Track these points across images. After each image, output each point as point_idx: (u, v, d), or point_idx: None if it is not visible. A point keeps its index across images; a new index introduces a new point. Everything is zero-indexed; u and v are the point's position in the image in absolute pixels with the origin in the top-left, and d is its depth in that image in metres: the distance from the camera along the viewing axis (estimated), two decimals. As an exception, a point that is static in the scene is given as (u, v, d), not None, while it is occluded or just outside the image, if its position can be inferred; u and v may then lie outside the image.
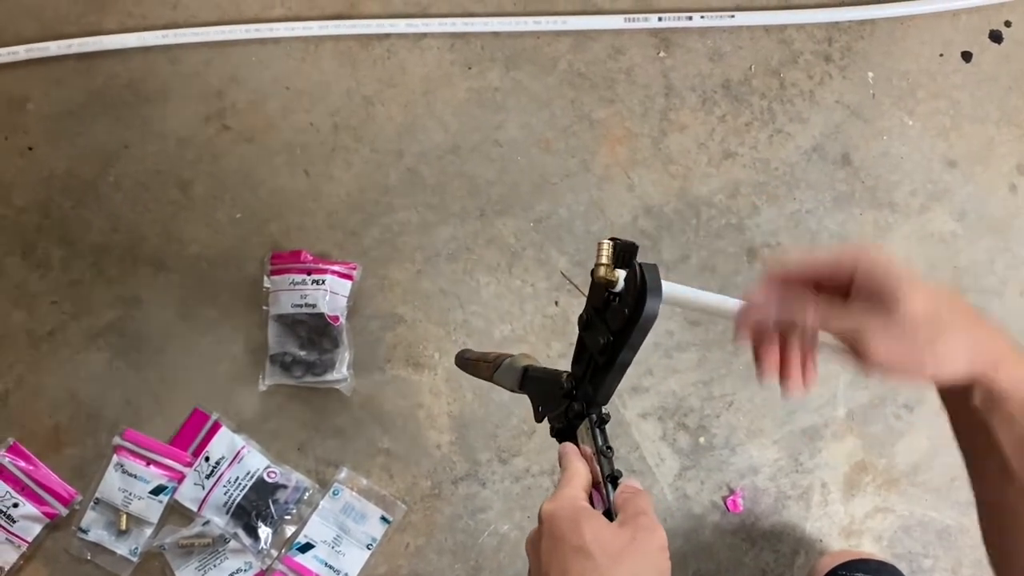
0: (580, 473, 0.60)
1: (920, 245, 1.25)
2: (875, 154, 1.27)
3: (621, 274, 0.59)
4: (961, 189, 1.27)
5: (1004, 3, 1.30)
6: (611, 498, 0.58)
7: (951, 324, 0.54)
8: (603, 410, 0.65)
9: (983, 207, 1.27)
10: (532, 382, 0.74)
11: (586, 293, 0.64)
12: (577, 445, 0.65)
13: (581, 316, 0.65)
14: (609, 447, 0.62)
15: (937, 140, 1.28)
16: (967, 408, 0.58)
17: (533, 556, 0.57)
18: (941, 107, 1.29)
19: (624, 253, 0.59)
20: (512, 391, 0.77)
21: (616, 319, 0.59)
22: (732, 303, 0.61)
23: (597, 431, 0.63)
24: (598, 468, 0.61)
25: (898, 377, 0.55)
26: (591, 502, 0.59)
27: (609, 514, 0.57)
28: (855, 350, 0.54)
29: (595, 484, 0.60)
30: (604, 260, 0.60)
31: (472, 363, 0.84)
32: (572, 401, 0.67)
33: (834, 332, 0.55)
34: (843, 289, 0.57)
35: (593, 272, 0.60)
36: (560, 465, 0.63)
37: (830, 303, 0.56)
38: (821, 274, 0.57)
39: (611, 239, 0.60)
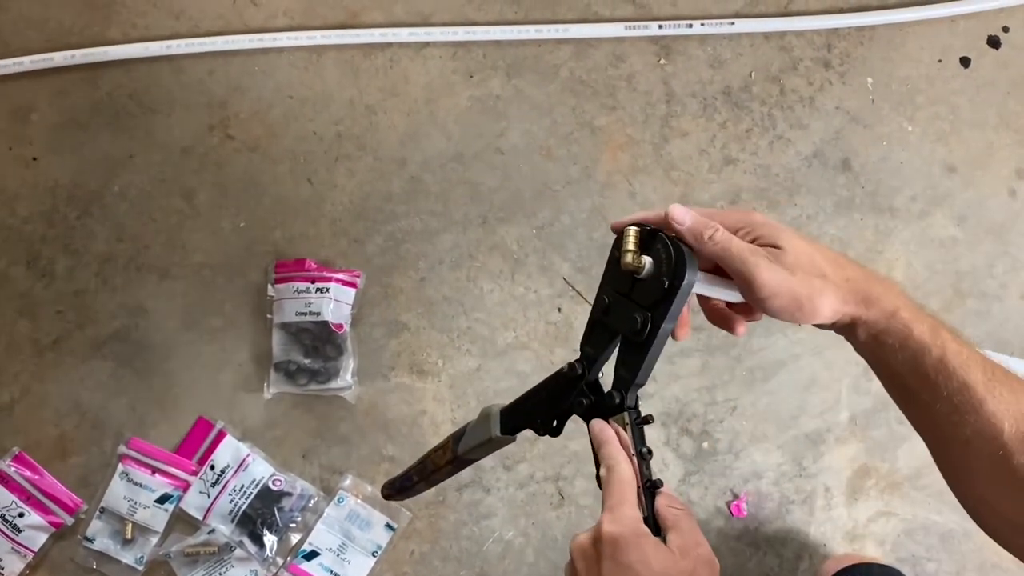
0: (629, 481, 0.58)
1: (920, 250, 1.26)
2: (875, 159, 1.27)
3: (648, 260, 0.60)
4: (961, 194, 1.28)
5: (1002, 9, 1.31)
6: (651, 508, 0.58)
7: (825, 267, 0.60)
8: (640, 408, 0.63)
9: (983, 211, 1.27)
10: (518, 409, 0.70)
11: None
12: (607, 421, 0.63)
13: (600, 299, 0.65)
14: (649, 450, 0.61)
15: (937, 145, 1.29)
16: (858, 344, 0.63)
17: (585, 571, 0.56)
18: (940, 112, 1.29)
19: (648, 239, 0.61)
20: (486, 450, 0.72)
21: (650, 294, 0.60)
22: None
23: (637, 431, 0.61)
24: (636, 467, 0.59)
25: (781, 311, 0.60)
26: None
27: (646, 522, 0.57)
28: (745, 280, 0.59)
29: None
30: (631, 247, 0.61)
31: (413, 471, 0.78)
32: (589, 383, 0.65)
33: (734, 256, 0.60)
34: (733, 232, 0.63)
35: (619, 259, 0.61)
36: (598, 456, 0.61)
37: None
38: (724, 224, 0.63)
39: (636, 225, 0.61)
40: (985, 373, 0.59)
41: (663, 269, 0.60)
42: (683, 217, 0.61)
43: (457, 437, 0.73)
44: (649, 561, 0.53)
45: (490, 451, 0.73)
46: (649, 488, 0.59)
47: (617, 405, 0.63)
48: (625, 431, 0.62)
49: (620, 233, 0.62)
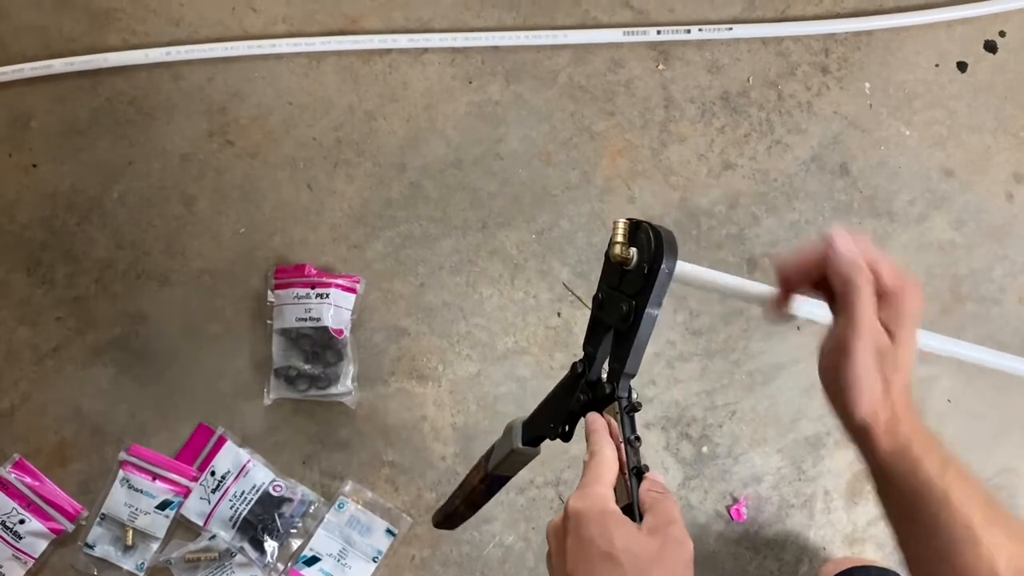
0: (609, 464, 0.59)
1: (919, 254, 1.26)
2: (873, 164, 1.28)
3: (634, 251, 0.61)
4: (959, 198, 1.28)
5: (998, 14, 1.32)
6: (636, 493, 0.58)
7: (892, 377, 0.58)
8: (634, 397, 0.64)
9: (981, 215, 1.28)
10: (536, 419, 0.71)
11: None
12: (601, 414, 0.64)
13: (596, 295, 0.66)
14: (637, 437, 0.61)
15: (934, 149, 1.29)
16: (864, 456, 0.62)
17: (556, 550, 0.57)
18: (938, 117, 1.30)
19: (636, 231, 0.62)
20: (513, 463, 0.74)
21: (634, 283, 0.61)
22: (732, 281, 0.63)
23: (626, 418, 0.62)
24: (624, 455, 0.60)
25: (826, 382, 0.60)
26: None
27: (631, 508, 0.57)
28: (842, 340, 0.58)
29: (620, 470, 0.60)
30: (619, 239, 0.62)
31: (455, 495, 0.79)
32: (590, 381, 0.66)
33: (853, 316, 0.58)
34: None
35: (608, 251, 0.62)
36: (587, 442, 0.61)
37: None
38: (811, 277, 0.61)
39: (627, 219, 0.63)
40: (986, 514, 0.59)
41: (645, 256, 0.61)
42: (845, 247, 0.59)
43: (488, 455, 0.75)
44: (610, 535, 0.53)
45: (518, 464, 0.74)
46: (635, 474, 0.59)
47: (608, 395, 0.64)
48: (616, 420, 0.62)
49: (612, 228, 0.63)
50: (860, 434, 0.62)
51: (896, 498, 0.62)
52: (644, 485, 0.58)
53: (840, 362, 0.58)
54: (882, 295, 0.59)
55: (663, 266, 0.60)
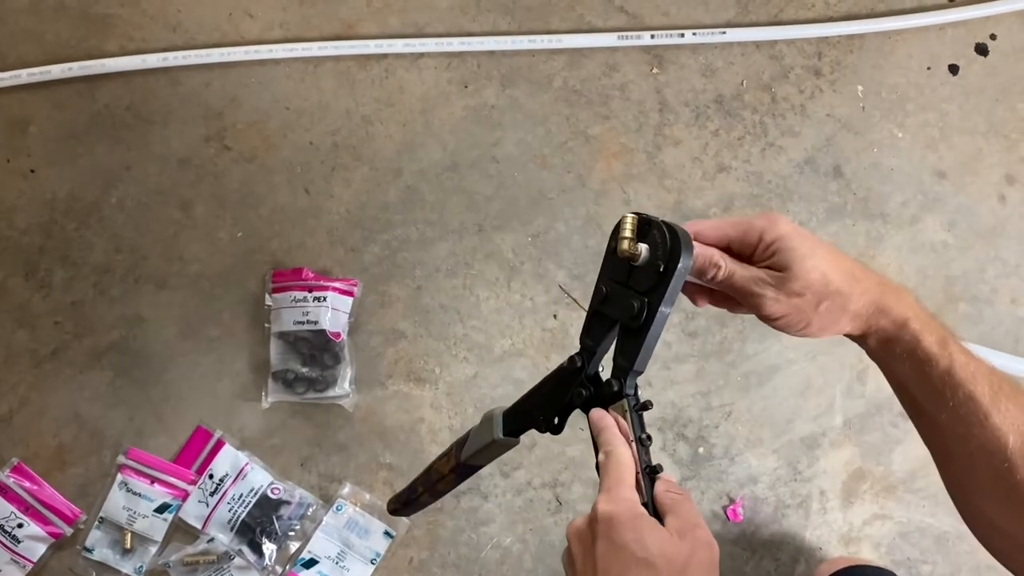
0: (627, 464, 0.58)
1: (912, 255, 1.27)
2: (866, 166, 1.29)
3: (643, 247, 0.60)
4: (951, 199, 1.29)
5: (989, 17, 1.33)
6: (651, 492, 0.57)
7: (840, 283, 0.60)
8: (639, 393, 0.63)
9: (973, 217, 1.29)
10: (519, 410, 0.70)
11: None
12: (606, 410, 0.63)
13: (599, 289, 0.65)
14: (648, 436, 0.60)
15: (927, 151, 1.30)
16: (869, 351, 0.64)
17: (581, 553, 0.56)
18: (930, 119, 1.31)
19: (645, 227, 0.61)
20: (489, 454, 0.72)
21: (647, 280, 0.61)
22: None
23: (636, 417, 0.61)
24: (636, 453, 0.59)
25: (788, 329, 0.62)
26: None
27: (646, 508, 0.56)
28: (752, 308, 0.61)
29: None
30: (627, 234, 0.61)
31: (417, 483, 0.77)
32: (589, 376, 0.65)
33: (739, 289, 0.61)
34: (749, 252, 0.63)
35: (616, 246, 0.61)
36: (597, 442, 0.61)
37: (736, 260, 0.63)
38: (732, 240, 0.63)
39: (634, 213, 0.62)
40: (992, 387, 0.59)
41: (659, 254, 0.60)
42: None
43: (460, 443, 0.73)
44: (645, 541, 0.53)
45: (493, 455, 0.72)
46: (648, 473, 0.58)
47: (615, 393, 0.62)
48: (624, 419, 0.61)
49: (618, 222, 0.63)
50: (854, 340, 0.64)
51: (903, 382, 0.62)
52: (660, 486, 0.58)
53: (772, 320, 0.61)
54: (756, 244, 0.62)
55: (680, 265, 0.59)
